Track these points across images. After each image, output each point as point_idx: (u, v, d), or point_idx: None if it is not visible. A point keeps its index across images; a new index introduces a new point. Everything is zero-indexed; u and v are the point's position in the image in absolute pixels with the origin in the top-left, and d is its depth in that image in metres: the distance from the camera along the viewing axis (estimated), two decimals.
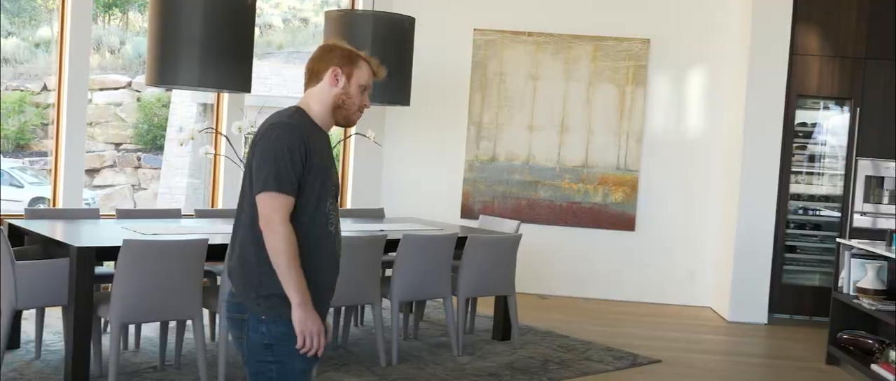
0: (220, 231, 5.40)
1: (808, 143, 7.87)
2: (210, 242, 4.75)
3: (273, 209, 2.56)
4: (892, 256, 5.59)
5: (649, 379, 5.67)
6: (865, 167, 7.55)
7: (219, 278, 5.36)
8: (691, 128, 8.34)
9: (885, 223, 7.37)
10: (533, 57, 8.22)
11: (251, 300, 2.63)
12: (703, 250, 8.32)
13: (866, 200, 7.58)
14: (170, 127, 13.61)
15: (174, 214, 6.30)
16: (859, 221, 7.54)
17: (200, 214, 6.31)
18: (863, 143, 7.54)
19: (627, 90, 8.23)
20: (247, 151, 2.76)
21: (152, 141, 13.94)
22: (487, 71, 8.19)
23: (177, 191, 13.27)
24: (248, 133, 5.80)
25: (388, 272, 5.81)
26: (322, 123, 2.75)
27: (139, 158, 13.58)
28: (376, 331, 5.50)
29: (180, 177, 13.42)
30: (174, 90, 11.73)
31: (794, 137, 7.69)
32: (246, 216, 2.68)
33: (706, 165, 8.28)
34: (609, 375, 5.65)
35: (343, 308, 5.83)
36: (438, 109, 8.40)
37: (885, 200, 7.57)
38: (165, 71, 5.43)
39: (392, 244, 5.58)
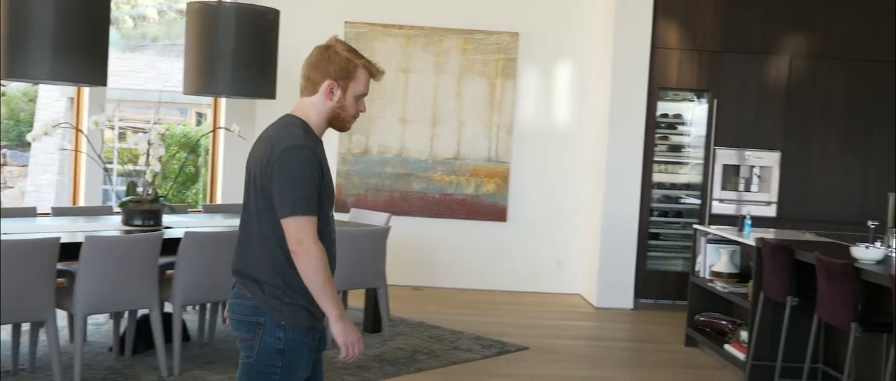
0: (81, 230, 5.24)
1: (670, 133, 8.16)
2: (64, 241, 4.60)
3: (305, 231, 2.62)
4: (744, 240, 5.86)
5: (515, 365, 5.78)
6: (723, 156, 7.88)
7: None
8: (560, 119, 8.53)
9: (741, 210, 7.71)
10: (404, 50, 8.26)
11: (274, 306, 2.68)
12: (572, 238, 8.52)
13: (724, 187, 7.92)
14: (36, 122, 13.08)
15: (30, 212, 6.06)
16: (718, 208, 7.87)
17: (58, 212, 6.09)
18: (720, 133, 7.86)
19: (497, 83, 8.35)
20: (248, 163, 2.78)
21: (18, 137, 13.37)
22: None
23: (45, 189, 12.77)
24: (105, 127, 5.63)
25: None
26: (319, 131, 2.78)
27: (4, 155, 12.99)
28: None
29: (49, 174, 12.92)
30: (40, 84, 11.25)
31: (657, 127, 7.96)
32: (257, 231, 2.70)
33: (574, 155, 8.48)
34: (476, 363, 5.74)
35: (209, 305, 5.74)
36: None
37: (742, 187, 7.93)
38: (16, 65, 5.20)
39: None
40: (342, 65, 2.72)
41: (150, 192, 5.48)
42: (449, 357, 5.80)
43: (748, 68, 7.87)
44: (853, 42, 7.90)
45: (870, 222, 5.56)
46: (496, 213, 8.42)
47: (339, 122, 2.78)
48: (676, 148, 8.18)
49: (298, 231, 2.61)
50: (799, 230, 6.59)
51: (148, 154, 5.32)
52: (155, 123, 5.35)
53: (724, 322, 6.09)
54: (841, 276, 4.26)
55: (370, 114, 8.17)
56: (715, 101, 7.82)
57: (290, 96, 8.00)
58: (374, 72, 2.78)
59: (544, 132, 8.49)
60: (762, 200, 7.92)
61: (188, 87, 6.16)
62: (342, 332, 2.66)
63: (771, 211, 7.91)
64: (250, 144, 2.99)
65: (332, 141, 8.26)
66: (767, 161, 7.89)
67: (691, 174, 8.14)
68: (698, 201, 7.96)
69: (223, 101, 7.95)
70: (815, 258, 4.54)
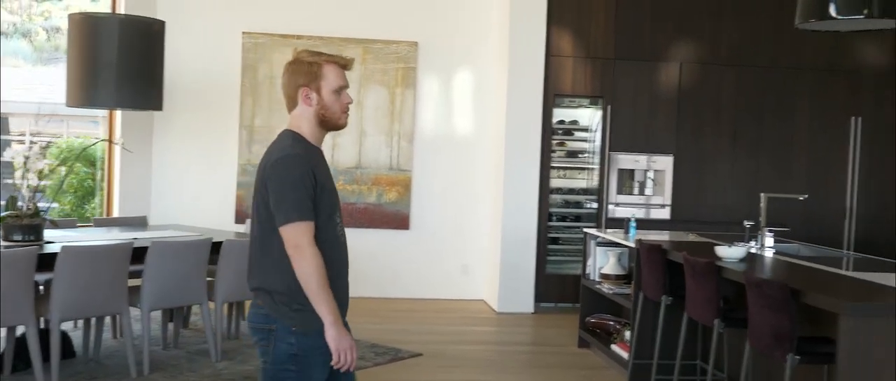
0: None
1: (567, 139, 8.30)
2: None
3: (301, 235, 2.72)
4: (628, 243, 6.00)
5: (406, 372, 5.82)
6: (618, 161, 8.05)
7: None
8: (460, 127, 8.62)
9: (636, 213, 7.87)
10: None
11: (283, 313, 2.78)
12: (476, 244, 8.61)
13: (620, 191, 8.09)
14: None
15: None
16: (614, 211, 8.04)
17: None
18: (615, 138, 8.04)
19: (397, 92, 8.41)
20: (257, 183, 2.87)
21: None
22: (258, 74, 8.14)
23: None
24: None
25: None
26: (316, 140, 2.90)
27: None
28: (126, 341, 5.37)
29: None
30: None
31: (554, 134, 8.10)
32: (262, 243, 2.82)
33: (475, 162, 8.58)
34: (367, 371, 5.76)
35: (93, 320, 5.66)
36: (209, 113, 8.27)
37: (637, 190, 8.11)
38: None
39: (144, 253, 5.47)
40: (306, 70, 2.83)
41: (29, 206, 5.39)
42: None
43: (640, 75, 8.07)
44: (738, 48, 8.16)
45: (745, 222, 5.76)
46: (399, 221, 8.46)
47: (329, 121, 2.88)
48: (574, 154, 8.33)
49: (295, 236, 2.72)
50: (686, 232, 6.77)
51: (25, 167, 5.22)
52: (31, 136, 5.25)
53: (611, 323, 6.22)
54: (704, 274, 4.41)
55: (270, 124, 8.13)
56: (609, 107, 7.99)
57: (190, 108, 7.98)
58: (341, 62, 2.88)
59: (445, 140, 8.57)
60: (657, 202, 8.12)
61: (71, 99, 6.08)
62: (335, 338, 2.74)
63: (665, 213, 8.11)
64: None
65: (232, 153, 8.21)
66: (661, 165, 8.09)
67: (589, 179, 8.30)
68: (596, 205, 8.11)
69: (118, 113, 7.84)
70: (682, 258, 4.68)
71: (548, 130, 8.01)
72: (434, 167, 8.53)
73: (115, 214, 7.95)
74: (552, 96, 8.02)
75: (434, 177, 8.54)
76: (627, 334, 5.85)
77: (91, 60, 5.94)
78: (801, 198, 5.99)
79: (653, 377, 5.15)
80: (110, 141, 6.53)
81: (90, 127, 12.53)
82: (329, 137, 7.91)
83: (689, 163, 8.13)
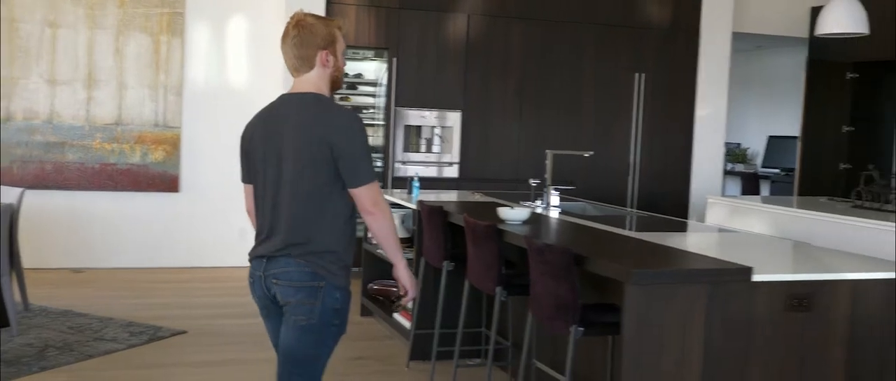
0: None
1: (351, 94, 7.80)
2: None
3: (378, 194, 2.87)
4: (410, 205, 5.60)
5: (165, 354, 5.17)
6: (405, 117, 7.64)
7: None
8: (235, 80, 7.92)
9: (423, 171, 7.51)
10: (49, 1, 7.25)
11: (333, 271, 2.87)
12: None
13: (407, 149, 7.70)
14: None
15: None
16: (402, 170, 7.64)
17: None
18: (401, 93, 7.61)
19: (163, 40, 7.58)
20: (268, 144, 2.88)
21: None
22: None
23: None
24: None
25: None
26: None
27: None
28: None
29: None
30: None
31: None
32: (313, 203, 2.84)
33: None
34: (118, 355, 5.07)
35: None
36: None
37: (424, 148, 7.74)
38: None
39: None
40: (324, 33, 2.92)
41: None
42: (86, 350, 5.08)
43: (427, 26, 7.66)
44: (526, 1, 7.91)
45: (531, 181, 5.50)
46: (167, 183, 7.69)
47: (338, 82, 3.02)
48: (358, 109, 7.84)
49: (374, 195, 2.85)
50: (473, 191, 6.46)
51: None
52: None
53: (394, 290, 5.82)
54: (485, 238, 4.05)
55: (12, 74, 7.12)
56: (394, 59, 7.55)
57: None
58: (340, 26, 3.01)
59: (218, 94, 7.85)
60: (445, 161, 7.79)
61: None
62: (409, 277, 3.04)
63: (454, 172, 7.80)
64: None
65: None
66: (450, 121, 7.76)
67: (375, 136, 7.85)
68: (381, 164, 7.68)
69: None
70: (463, 221, 4.30)
71: None
72: (206, 124, 7.80)
73: None
74: None
75: (207, 134, 7.81)
76: (409, 304, 5.45)
77: None
78: (587, 155, 5.79)
79: (434, 347, 4.78)
80: None
81: None
82: (82, 90, 6.83)
83: (478, 119, 7.84)
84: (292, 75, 2.96)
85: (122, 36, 7.46)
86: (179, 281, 7.25)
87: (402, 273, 3.01)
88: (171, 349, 5.28)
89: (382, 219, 2.90)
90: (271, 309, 2.99)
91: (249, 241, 3.06)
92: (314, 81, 2.93)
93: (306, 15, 2.94)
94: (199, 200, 7.83)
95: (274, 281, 2.89)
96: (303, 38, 2.90)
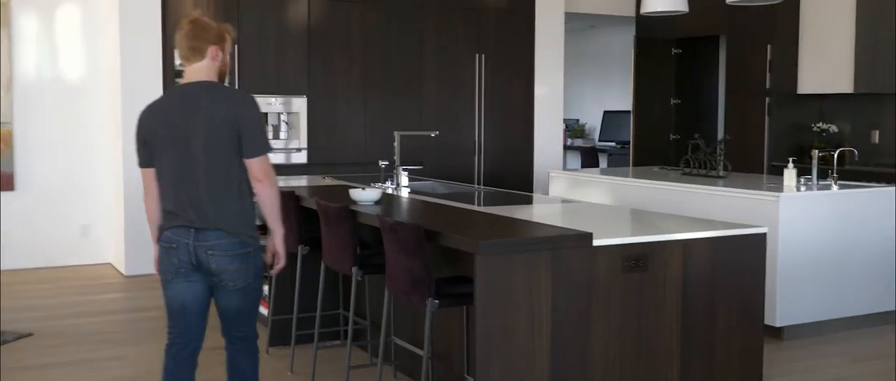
0: None
1: None
2: None
3: (269, 166, 3.24)
4: None
5: (9, 358, 4.96)
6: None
7: None
8: (69, 71, 7.63)
9: (272, 158, 7.45)
10: None
11: (252, 237, 3.26)
12: (96, 202, 7.74)
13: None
14: None
15: None
16: None
17: None
18: (246, 79, 7.53)
19: None
20: (171, 127, 3.17)
21: None
22: None
23: None
24: None
25: None
26: None
27: None
28: None
29: None
30: None
31: (177, 76, 7.40)
32: (222, 178, 3.17)
33: (90, 110, 7.66)
34: None
35: None
36: None
37: (271, 134, 7.69)
38: None
39: None
40: (216, 32, 3.27)
41: None
42: None
43: (267, 9, 7.61)
44: None
45: (380, 162, 5.59)
46: (1, 181, 7.34)
47: (223, 76, 3.31)
48: None
49: (267, 165, 3.22)
50: (323, 176, 6.49)
51: None
52: None
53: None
54: (338, 220, 4.12)
55: None
56: (235, 46, 7.46)
57: None
58: (230, 31, 3.36)
59: (52, 87, 7.55)
60: (293, 146, 7.77)
61: None
62: (283, 243, 3.39)
63: (303, 157, 7.80)
64: None
65: None
66: (295, 107, 7.74)
67: None
68: None
69: None
70: (316, 204, 4.36)
71: (170, 70, 7.29)
72: (40, 118, 7.49)
73: None
74: (172, 31, 7.30)
75: (41, 129, 7.51)
76: (266, 289, 5.46)
77: None
78: (433, 135, 5.93)
79: (293, 331, 4.82)
80: None
81: None
82: None
83: (324, 104, 7.86)
84: (184, 64, 3.26)
85: None
86: (20, 282, 6.95)
87: (278, 241, 3.36)
88: (14, 354, 5.08)
89: (271, 188, 3.24)
90: (191, 274, 3.24)
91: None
92: (205, 70, 3.24)
93: (202, 17, 3.33)
94: (38, 197, 7.53)
95: (209, 252, 3.18)
96: (196, 32, 3.23)
